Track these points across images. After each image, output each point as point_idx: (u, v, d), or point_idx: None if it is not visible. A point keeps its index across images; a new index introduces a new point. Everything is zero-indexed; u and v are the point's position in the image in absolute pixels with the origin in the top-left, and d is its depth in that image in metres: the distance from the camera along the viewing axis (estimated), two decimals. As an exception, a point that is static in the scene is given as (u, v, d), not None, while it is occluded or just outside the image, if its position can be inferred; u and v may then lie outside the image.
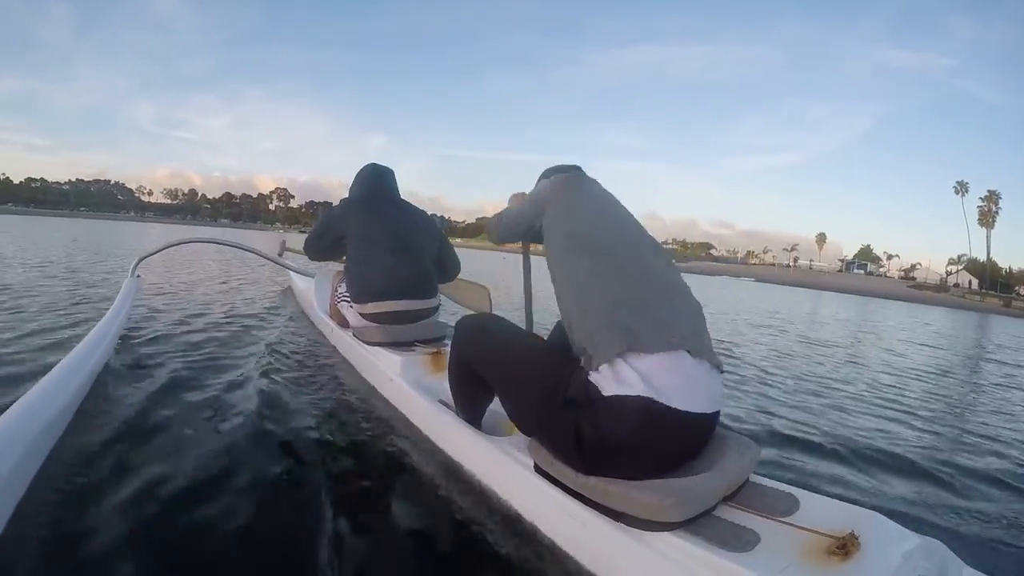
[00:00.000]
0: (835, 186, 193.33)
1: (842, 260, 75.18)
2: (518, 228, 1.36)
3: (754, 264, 78.09)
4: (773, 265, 76.18)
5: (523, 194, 1.40)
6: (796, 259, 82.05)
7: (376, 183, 2.15)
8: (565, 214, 1.16)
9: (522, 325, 1.40)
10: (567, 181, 1.22)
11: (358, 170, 2.20)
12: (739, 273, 43.37)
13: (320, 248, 2.15)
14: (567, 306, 1.07)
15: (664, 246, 1.17)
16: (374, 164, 2.21)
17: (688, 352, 0.96)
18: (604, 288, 1.02)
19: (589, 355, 0.97)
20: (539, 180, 1.38)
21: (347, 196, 2.19)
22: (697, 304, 1.09)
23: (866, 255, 76.22)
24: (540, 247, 1.59)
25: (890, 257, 77.90)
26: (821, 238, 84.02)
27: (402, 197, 2.21)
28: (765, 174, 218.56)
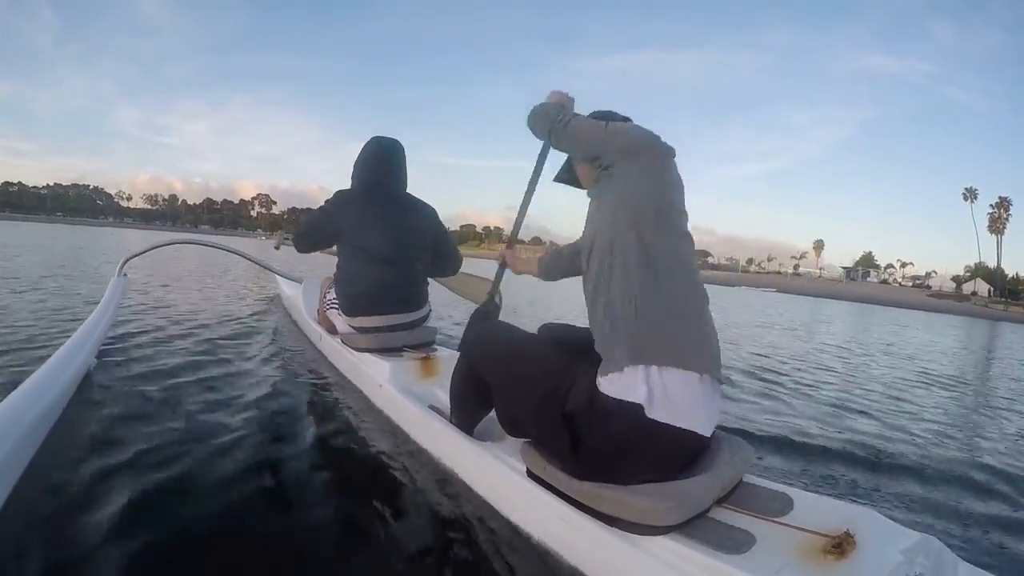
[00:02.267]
0: (819, 191, 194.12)
1: (845, 268, 74.54)
2: (591, 143, 1.07)
3: (756, 272, 77.70)
4: (779, 273, 75.73)
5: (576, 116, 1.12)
6: (797, 267, 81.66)
7: (380, 170, 1.96)
8: (657, 181, 1.00)
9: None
10: (664, 149, 1.03)
11: (364, 144, 1.99)
12: (759, 283, 42.65)
13: (311, 243, 2.02)
14: (620, 295, 0.94)
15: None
16: (379, 140, 2.00)
17: (707, 374, 0.92)
18: (672, 290, 0.94)
19: (616, 358, 0.92)
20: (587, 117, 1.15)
21: (348, 185, 2.01)
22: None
23: (867, 262, 75.73)
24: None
25: (904, 264, 77.12)
26: (819, 245, 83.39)
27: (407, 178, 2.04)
28: (745, 180, 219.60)
